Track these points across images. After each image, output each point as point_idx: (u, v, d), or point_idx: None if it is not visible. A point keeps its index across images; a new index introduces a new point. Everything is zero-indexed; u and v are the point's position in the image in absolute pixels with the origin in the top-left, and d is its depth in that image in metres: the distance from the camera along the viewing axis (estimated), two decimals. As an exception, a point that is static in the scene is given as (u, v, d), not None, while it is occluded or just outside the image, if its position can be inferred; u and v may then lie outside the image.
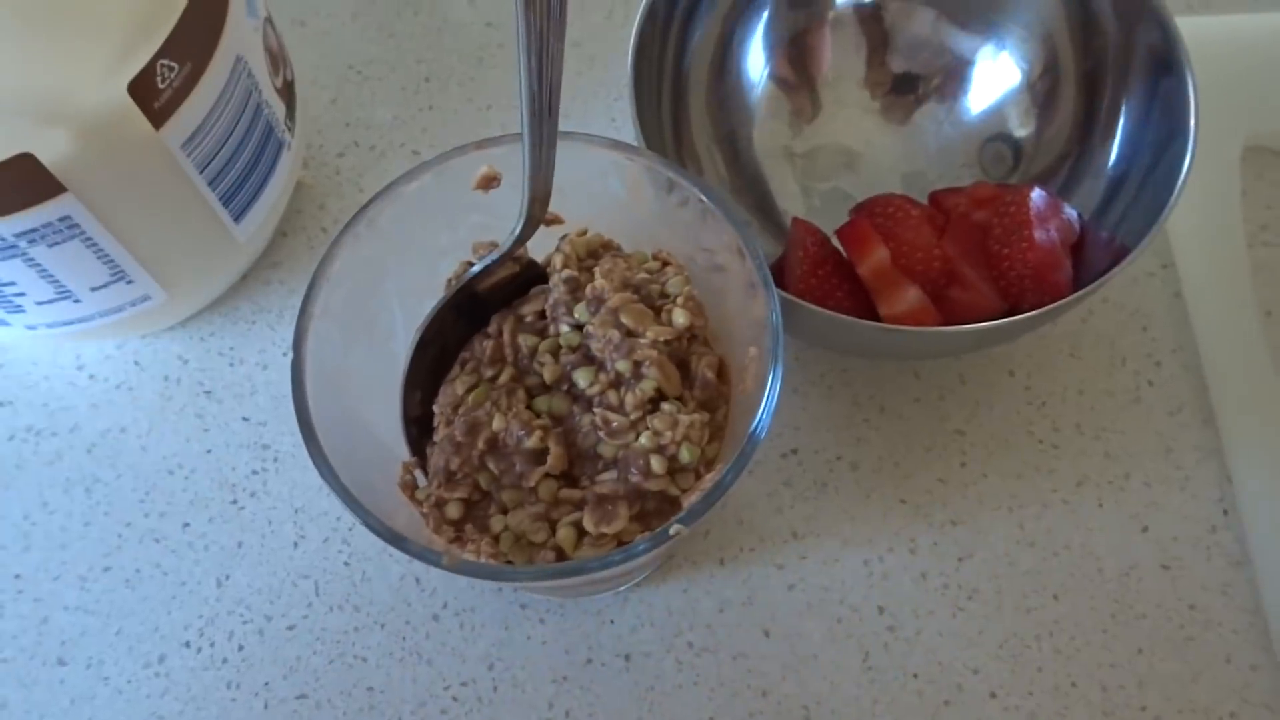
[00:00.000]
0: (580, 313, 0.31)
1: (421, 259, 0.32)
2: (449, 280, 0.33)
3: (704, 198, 0.29)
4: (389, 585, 0.39)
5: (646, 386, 0.29)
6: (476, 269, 0.31)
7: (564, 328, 0.31)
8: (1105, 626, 0.39)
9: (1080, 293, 0.34)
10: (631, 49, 0.38)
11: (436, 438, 0.32)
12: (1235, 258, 0.44)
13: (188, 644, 0.38)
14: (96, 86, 0.30)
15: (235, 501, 0.41)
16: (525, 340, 0.32)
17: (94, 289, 0.36)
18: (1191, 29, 0.39)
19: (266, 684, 0.38)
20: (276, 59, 0.39)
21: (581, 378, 0.30)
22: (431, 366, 0.33)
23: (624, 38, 0.47)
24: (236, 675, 0.38)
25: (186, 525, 0.40)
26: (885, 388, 0.43)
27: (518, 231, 0.29)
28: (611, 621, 0.39)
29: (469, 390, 0.31)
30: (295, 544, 0.40)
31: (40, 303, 0.36)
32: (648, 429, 0.29)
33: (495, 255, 0.31)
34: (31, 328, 0.38)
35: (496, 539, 0.29)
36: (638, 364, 0.29)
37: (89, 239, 0.34)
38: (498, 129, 0.48)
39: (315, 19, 0.50)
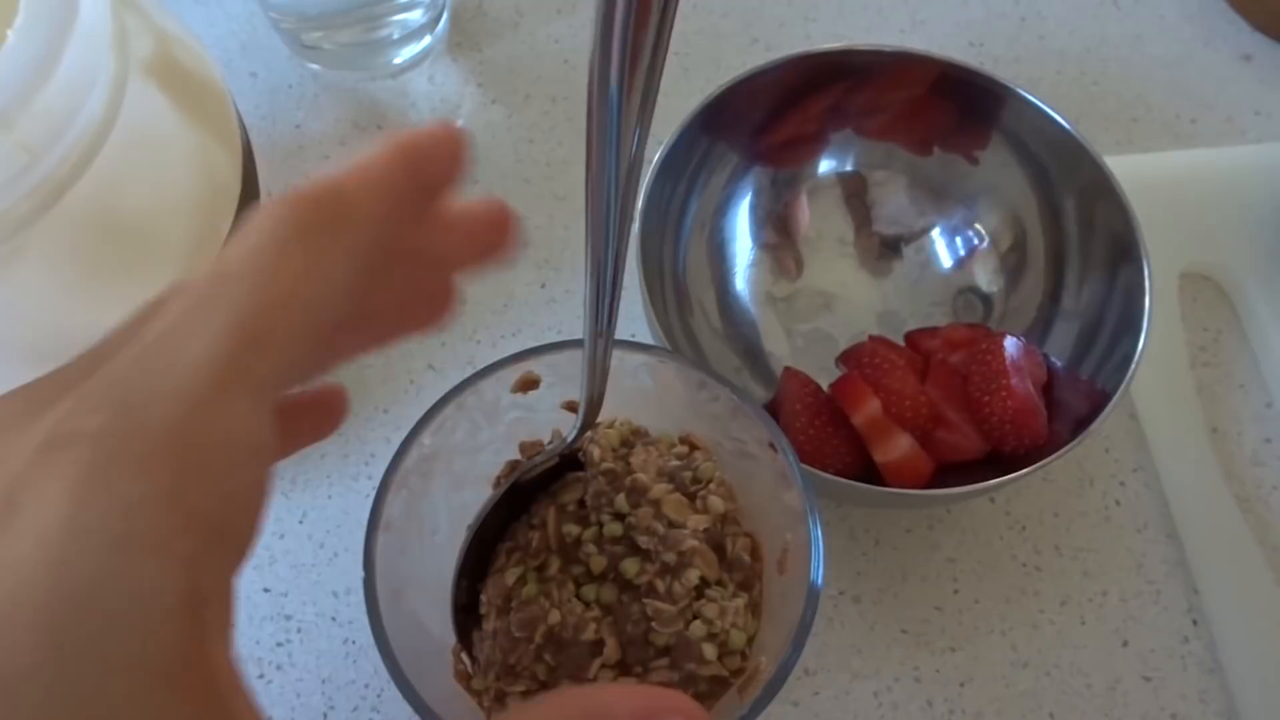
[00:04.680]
0: (621, 504, 0.33)
1: (464, 456, 0.34)
2: (497, 479, 0.34)
3: (734, 397, 0.32)
4: (423, 751, 0.40)
5: (692, 575, 0.31)
6: (527, 468, 0.33)
7: (605, 518, 0.33)
8: (1098, 740, 0.42)
9: (1072, 444, 0.38)
10: (637, 249, 0.40)
11: (486, 626, 0.33)
12: (1180, 379, 0.48)
13: (225, 826, 0.39)
14: None
15: (262, 676, 0.41)
16: (568, 530, 0.33)
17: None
18: (1125, 167, 0.43)
19: None
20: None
21: (630, 569, 0.32)
22: (476, 553, 0.34)
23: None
24: None
25: (215, 704, 0.41)
26: (879, 520, 0.45)
27: (571, 438, 0.31)
28: (641, 770, 0.40)
29: (518, 581, 0.33)
30: (324, 715, 0.41)
31: None
32: (697, 617, 0.31)
33: (544, 457, 0.33)
34: None
35: (560, 730, 0.31)
36: (682, 554, 0.32)
37: None
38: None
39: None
